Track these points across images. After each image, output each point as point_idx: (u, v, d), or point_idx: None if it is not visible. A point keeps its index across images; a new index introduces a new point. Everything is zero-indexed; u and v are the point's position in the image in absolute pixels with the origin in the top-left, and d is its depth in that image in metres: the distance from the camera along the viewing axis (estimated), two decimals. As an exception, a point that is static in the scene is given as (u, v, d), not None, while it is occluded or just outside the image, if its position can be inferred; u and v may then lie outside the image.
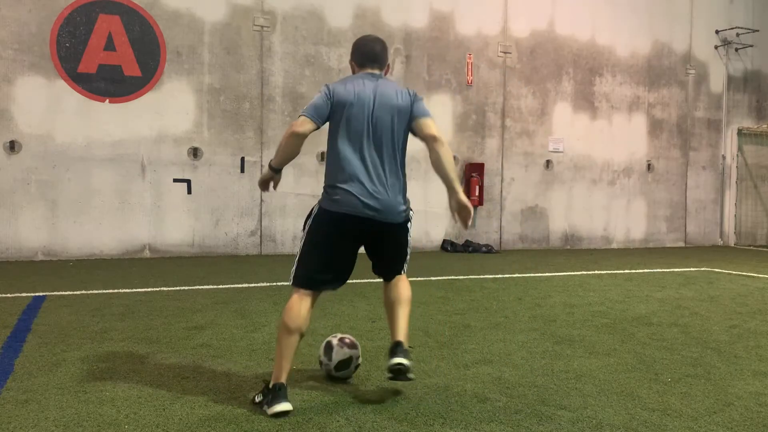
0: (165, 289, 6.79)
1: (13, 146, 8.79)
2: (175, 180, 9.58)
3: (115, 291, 6.61)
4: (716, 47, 13.63)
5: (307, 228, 3.48)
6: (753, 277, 8.70)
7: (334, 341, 3.80)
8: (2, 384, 3.62)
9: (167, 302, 6.04)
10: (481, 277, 8.14)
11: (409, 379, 3.40)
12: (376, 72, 3.54)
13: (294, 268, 3.49)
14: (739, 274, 8.89)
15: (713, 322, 5.70)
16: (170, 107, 9.50)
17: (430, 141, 3.44)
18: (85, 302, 5.97)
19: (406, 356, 3.35)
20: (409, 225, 3.60)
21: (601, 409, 3.43)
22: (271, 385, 3.30)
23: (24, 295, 6.29)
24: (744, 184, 14.02)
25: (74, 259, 9.03)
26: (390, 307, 3.61)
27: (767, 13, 13.98)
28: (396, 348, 3.39)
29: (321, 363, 3.82)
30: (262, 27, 9.99)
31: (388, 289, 3.65)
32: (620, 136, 12.70)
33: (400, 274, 3.67)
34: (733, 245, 13.74)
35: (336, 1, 10.40)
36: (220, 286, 7.02)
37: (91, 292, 6.54)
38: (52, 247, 9.00)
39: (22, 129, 8.83)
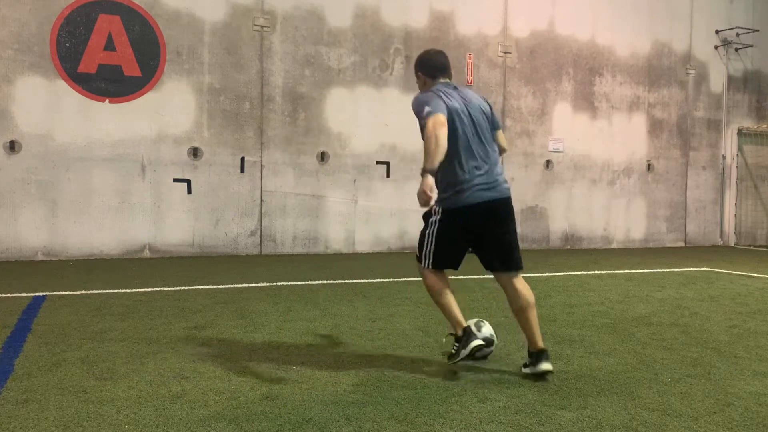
0: (165, 289, 6.79)
1: (13, 146, 8.79)
2: (175, 180, 9.58)
3: (115, 291, 6.60)
4: (716, 47, 13.62)
5: (433, 227, 3.91)
6: (753, 277, 8.70)
7: (484, 323, 4.27)
8: (2, 384, 3.62)
9: (167, 302, 6.04)
10: (481, 277, 8.12)
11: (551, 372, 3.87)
12: (449, 81, 3.97)
13: (429, 256, 3.93)
14: (739, 274, 8.89)
15: (713, 322, 5.70)
16: (170, 107, 9.50)
17: (501, 152, 4.05)
18: (85, 302, 5.97)
19: (549, 361, 3.85)
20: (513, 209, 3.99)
21: (601, 409, 3.43)
22: (461, 333, 3.88)
23: (24, 295, 6.29)
24: (744, 184, 14.01)
25: (74, 259, 9.03)
26: (520, 313, 3.92)
27: (767, 13, 13.98)
28: (542, 355, 3.86)
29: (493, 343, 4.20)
30: (262, 27, 9.99)
31: (512, 290, 3.92)
32: (620, 136, 12.70)
33: (521, 267, 3.95)
34: (733, 245, 13.74)
35: (336, 1, 10.40)
36: (220, 286, 7.02)
37: (91, 292, 6.54)
38: (52, 247, 9.00)
39: (22, 129, 8.83)
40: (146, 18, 9.35)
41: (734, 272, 9.11)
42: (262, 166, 10.02)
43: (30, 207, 8.89)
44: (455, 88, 3.90)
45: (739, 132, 13.90)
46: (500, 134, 4.03)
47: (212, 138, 9.76)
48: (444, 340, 4.57)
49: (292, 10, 10.17)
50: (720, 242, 13.86)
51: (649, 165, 13.01)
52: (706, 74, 13.61)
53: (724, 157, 13.84)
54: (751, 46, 13.84)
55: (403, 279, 7.74)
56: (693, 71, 13.39)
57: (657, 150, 13.11)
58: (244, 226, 9.97)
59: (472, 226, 3.84)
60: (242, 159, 9.90)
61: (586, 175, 12.42)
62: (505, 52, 11.64)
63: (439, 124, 3.57)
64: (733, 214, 13.87)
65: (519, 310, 3.90)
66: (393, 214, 10.83)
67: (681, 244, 13.41)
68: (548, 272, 8.69)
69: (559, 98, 12.13)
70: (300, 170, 10.23)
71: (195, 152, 9.66)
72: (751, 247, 13.46)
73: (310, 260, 9.54)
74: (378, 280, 7.70)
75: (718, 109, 13.77)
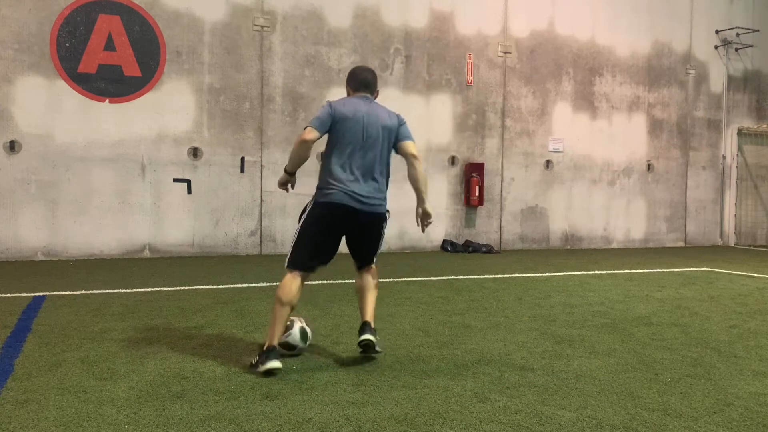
0: (165, 289, 6.79)
1: (13, 146, 8.79)
2: (175, 180, 9.58)
3: (115, 291, 6.60)
4: (716, 47, 13.63)
5: (301, 221, 4.17)
6: (753, 277, 8.70)
7: (303, 323, 4.39)
8: (2, 384, 3.62)
9: (167, 302, 6.04)
10: (481, 277, 8.14)
11: (377, 352, 4.21)
12: (368, 96, 4.28)
13: (289, 253, 4.13)
14: (739, 274, 8.89)
15: (713, 322, 5.70)
16: (170, 107, 9.50)
17: (410, 158, 4.27)
18: (85, 302, 5.97)
19: (373, 334, 4.15)
20: (384, 224, 4.32)
21: (601, 409, 3.43)
22: (265, 348, 3.94)
23: (24, 295, 6.29)
24: (744, 184, 14.02)
25: (74, 259, 9.03)
26: (361, 292, 4.36)
27: (767, 13, 13.98)
28: (365, 327, 4.18)
29: (296, 347, 4.30)
30: (262, 27, 9.99)
31: (359, 277, 4.39)
32: (620, 136, 12.70)
33: (372, 263, 4.39)
34: (733, 245, 13.74)
35: (336, 1, 10.40)
36: (220, 286, 7.01)
37: (91, 292, 6.54)
38: (52, 247, 9.00)
39: (22, 129, 8.83)
40: (146, 18, 9.35)
41: (734, 272, 9.11)
42: (262, 166, 10.02)
43: (30, 207, 8.89)
44: (367, 101, 4.23)
45: (739, 132, 13.90)
46: (408, 144, 4.27)
47: (212, 138, 9.76)
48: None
49: (292, 10, 10.18)
50: (720, 242, 13.86)
51: (649, 165, 13.01)
52: (706, 74, 13.61)
53: (724, 157, 13.84)
54: (751, 46, 13.84)
55: (403, 279, 7.74)
56: (693, 71, 13.40)
57: (657, 150, 13.11)
58: (244, 226, 9.97)
59: (337, 223, 4.13)
60: (242, 159, 9.90)
61: (586, 175, 12.42)
62: (505, 52, 11.64)
63: (305, 135, 4.04)
64: (733, 214, 13.87)
65: (361, 289, 4.36)
66: (393, 214, 10.78)
67: (681, 244, 13.42)
68: (548, 272, 8.69)
69: (559, 98, 12.14)
70: (300, 170, 10.17)
71: (195, 152, 9.66)
72: (751, 247, 13.46)
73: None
74: (378, 280, 7.68)
75: (718, 109, 13.77)
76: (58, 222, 9.01)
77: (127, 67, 9.27)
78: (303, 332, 4.31)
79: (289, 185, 4.40)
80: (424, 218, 4.33)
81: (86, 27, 9.05)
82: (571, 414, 3.34)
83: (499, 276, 8.23)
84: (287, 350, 4.21)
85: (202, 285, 7.07)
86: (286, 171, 4.32)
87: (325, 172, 4.17)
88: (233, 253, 9.91)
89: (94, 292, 6.54)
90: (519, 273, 8.56)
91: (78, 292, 6.49)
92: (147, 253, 9.46)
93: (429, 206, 4.30)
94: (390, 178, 4.33)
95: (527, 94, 11.87)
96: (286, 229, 10.19)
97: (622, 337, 5.04)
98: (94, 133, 9.15)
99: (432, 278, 7.88)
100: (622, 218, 12.79)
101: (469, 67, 11.37)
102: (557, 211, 12.18)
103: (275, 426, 3.10)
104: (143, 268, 8.34)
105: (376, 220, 4.23)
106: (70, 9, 8.97)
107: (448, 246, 11.11)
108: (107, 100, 9.20)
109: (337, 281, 7.39)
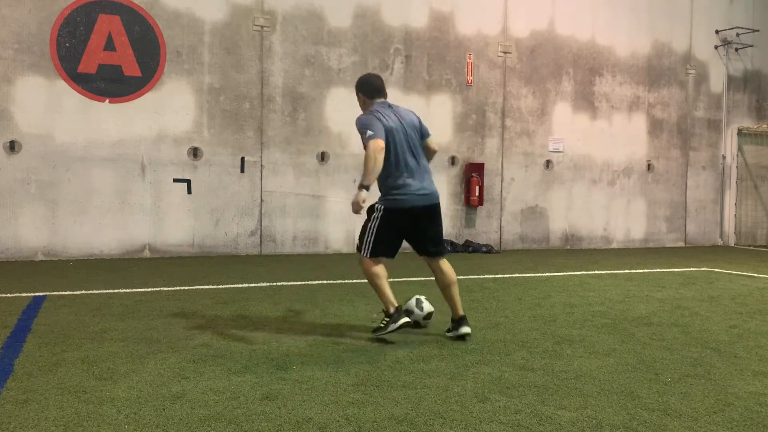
0: (165, 289, 6.79)
1: (13, 146, 8.79)
2: (175, 180, 9.58)
3: (115, 291, 6.61)
4: (716, 47, 13.63)
5: (375, 222, 4.64)
6: (753, 277, 8.70)
7: (423, 298, 5.18)
8: (2, 384, 3.62)
9: (167, 302, 6.04)
10: (481, 277, 8.14)
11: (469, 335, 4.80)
12: (386, 101, 4.71)
13: (368, 246, 4.64)
14: (739, 274, 8.89)
15: (713, 322, 5.70)
16: (170, 107, 9.50)
17: (432, 153, 4.88)
18: (85, 302, 5.97)
19: (468, 325, 4.77)
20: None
21: (601, 409, 3.43)
22: (392, 311, 4.60)
23: (24, 295, 6.29)
24: (744, 184, 14.01)
25: (74, 259, 9.03)
26: (445, 286, 4.83)
27: (767, 13, 13.98)
28: (463, 320, 4.79)
29: (411, 313, 5.01)
30: (262, 27, 9.99)
31: (439, 271, 4.81)
32: (620, 136, 12.70)
33: (443, 254, 4.82)
34: (733, 245, 13.74)
35: (336, 1, 10.40)
36: (220, 286, 7.01)
37: (91, 292, 6.54)
38: (52, 247, 9.00)
39: (22, 129, 8.83)
40: (146, 18, 9.35)
41: (734, 272, 9.11)
42: (262, 166, 10.02)
43: (30, 207, 8.89)
44: (390, 106, 4.67)
45: (739, 132, 13.90)
46: (430, 141, 4.80)
47: (212, 138, 9.76)
48: (375, 315, 5.37)
49: (292, 10, 10.17)
50: (720, 242, 13.86)
51: (649, 165, 13.01)
52: (706, 74, 13.61)
53: (724, 157, 13.84)
54: (751, 46, 13.84)
55: (403, 279, 7.74)
56: (693, 71, 13.40)
57: (657, 150, 13.11)
58: (244, 226, 9.97)
59: (405, 224, 4.66)
60: (242, 159, 9.90)
61: (586, 175, 12.42)
62: (505, 52, 11.64)
63: (379, 149, 4.41)
64: (733, 214, 13.87)
65: (444, 286, 4.82)
66: (393, 214, 10.80)
67: (681, 244, 13.42)
68: (548, 272, 8.69)
69: (559, 98, 12.13)
70: (300, 170, 10.23)
71: (195, 152, 9.66)
72: (751, 247, 13.46)
73: (310, 260, 9.54)
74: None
75: (718, 109, 13.77)
76: (58, 222, 9.01)
77: (127, 67, 9.27)
78: (418, 301, 5.12)
79: (364, 205, 4.57)
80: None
81: (86, 27, 9.05)
82: (571, 414, 3.34)
83: (499, 276, 8.23)
84: (416, 323, 5.02)
85: (202, 285, 7.07)
86: (364, 186, 4.45)
87: (388, 180, 4.59)
88: (233, 253, 9.91)
89: (94, 292, 6.54)
90: (519, 273, 8.56)
91: (78, 292, 6.49)
92: (147, 253, 9.46)
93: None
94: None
95: (527, 94, 11.87)
96: (286, 229, 10.19)
97: (622, 337, 5.05)
98: (94, 133, 9.15)
99: (432, 278, 7.85)
100: (622, 218, 12.79)
101: (469, 67, 11.37)
102: (557, 211, 12.18)
103: (275, 426, 3.10)
104: (143, 268, 8.34)
105: (438, 208, 4.77)
106: (70, 9, 8.97)
107: (448, 246, 11.11)
108: (107, 100, 9.20)
109: (337, 281, 7.40)
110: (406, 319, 4.57)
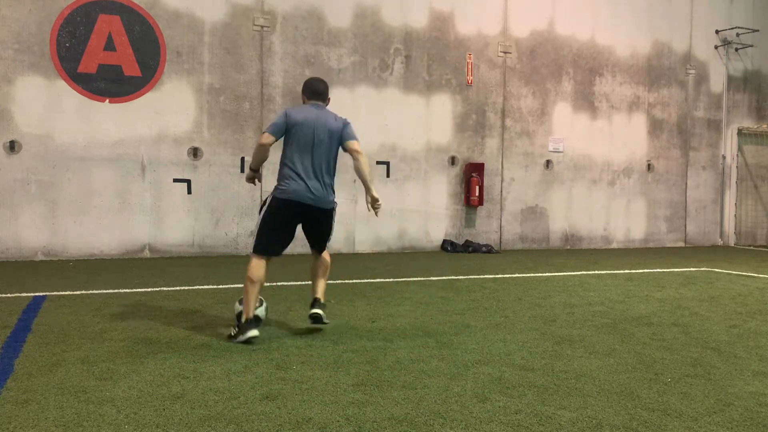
0: (165, 289, 6.79)
1: (13, 146, 8.79)
2: (175, 180, 9.58)
3: (115, 291, 6.61)
4: (716, 47, 13.63)
5: (262, 213, 4.82)
6: (753, 277, 8.70)
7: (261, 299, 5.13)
8: (2, 384, 3.62)
9: (167, 302, 6.04)
10: (481, 277, 8.14)
11: (325, 323, 4.92)
12: (320, 103, 4.95)
13: (254, 241, 4.85)
14: (739, 274, 8.89)
15: (713, 322, 5.70)
16: (170, 107, 9.50)
17: (354, 153, 4.91)
18: (85, 302, 5.97)
19: (322, 308, 4.89)
20: (332, 215, 4.97)
21: (601, 409, 3.43)
22: (243, 320, 4.64)
23: (24, 295, 6.29)
24: (744, 184, 14.01)
25: (74, 259, 9.03)
26: (314, 273, 5.12)
27: (767, 13, 13.98)
28: (315, 302, 4.94)
29: (260, 320, 4.94)
30: (262, 27, 9.99)
31: (315, 260, 5.12)
32: (620, 136, 12.70)
33: (324, 249, 5.08)
34: (733, 245, 13.74)
35: (336, 1, 10.40)
36: (220, 286, 7.01)
37: (91, 292, 6.54)
38: (52, 247, 9.00)
39: (22, 129, 8.83)
40: (146, 18, 9.35)
41: (734, 272, 9.11)
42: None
43: (30, 207, 8.89)
44: (318, 108, 4.90)
45: (739, 132, 13.90)
46: (352, 142, 4.91)
47: (212, 138, 9.76)
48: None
49: (292, 10, 10.17)
50: (720, 242, 13.86)
51: (649, 165, 13.01)
52: (706, 74, 13.61)
53: (724, 157, 13.84)
54: (751, 46, 13.84)
55: (403, 279, 7.74)
56: (693, 71, 13.39)
57: (657, 150, 13.11)
58: (244, 226, 9.97)
59: (291, 217, 4.81)
60: (242, 159, 9.89)
61: (586, 175, 12.42)
62: (505, 52, 11.64)
63: (263, 139, 4.75)
64: (733, 214, 13.87)
65: (316, 273, 5.10)
66: (393, 215, 10.83)
67: (681, 244, 13.42)
68: (548, 272, 8.69)
69: (559, 98, 12.13)
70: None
71: (195, 152, 9.66)
72: (751, 247, 13.46)
73: (310, 260, 9.52)
74: (378, 280, 7.70)
75: (718, 109, 13.77)
76: (58, 222, 9.01)
77: (127, 67, 9.27)
78: (266, 308, 5.14)
79: (255, 179, 5.10)
80: (373, 203, 4.88)
81: (86, 27, 9.05)
82: (571, 414, 3.34)
83: (499, 276, 8.23)
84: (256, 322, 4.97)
85: (202, 285, 7.07)
86: (250, 168, 5.02)
87: (282, 171, 4.80)
88: (233, 253, 9.91)
89: (94, 292, 6.54)
90: (519, 273, 8.56)
91: (78, 292, 6.49)
92: (147, 253, 9.46)
93: (375, 192, 4.87)
94: (336, 177, 5.00)
95: (527, 94, 11.87)
96: (286, 229, 10.18)
97: (622, 337, 5.05)
98: (94, 133, 9.15)
99: (432, 278, 7.88)
100: (622, 218, 12.79)
101: (469, 67, 11.37)
102: (557, 211, 12.18)
103: (275, 426, 3.10)
104: (143, 268, 8.34)
105: (325, 213, 4.89)
106: (70, 9, 8.97)
107: (448, 246, 11.11)
108: (107, 100, 9.20)
109: (337, 281, 7.39)
110: (254, 333, 4.57)
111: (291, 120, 4.76)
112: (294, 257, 9.93)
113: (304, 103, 5.00)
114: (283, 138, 4.80)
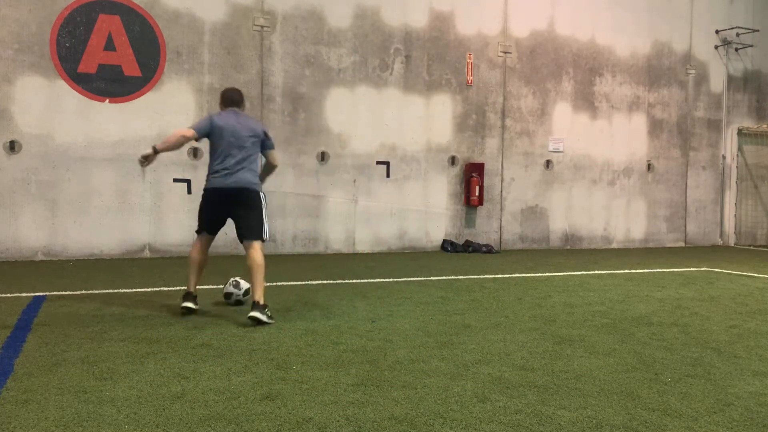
0: (165, 289, 6.80)
1: (13, 146, 8.79)
2: (175, 180, 9.58)
3: (115, 291, 6.61)
4: (716, 47, 13.63)
5: (200, 201, 5.55)
6: (753, 277, 8.70)
7: (239, 278, 6.07)
8: (2, 384, 3.62)
9: (167, 302, 6.04)
10: (481, 277, 8.14)
11: (267, 323, 5.18)
12: (237, 110, 5.60)
13: (198, 223, 5.57)
14: (739, 274, 8.89)
15: (713, 322, 5.70)
16: (170, 107, 9.49)
17: (272, 166, 5.80)
18: (85, 302, 5.97)
19: (260, 310, 5.17)
20: (257, 198, 5.42)
21: (601, 409, 3.43)
22: (185, 293, 5.52)
23: (24, 295, 6.29)
24: (744, 184, 14.02)
25: (74, 259, 9.03)
26: (249, 271, 5.35)
27: (767, 13, 13.98)
28: (253, 305, 5.24)
29: (230, 295, 5.96)
30: (262, 27, 9.99)
31: (247, 256, 5.37)
32: (620, 136, 12.70)
33: (252, 239, 5.37)
34: (733, 245, 13.74)
35: (336, 1, 10.40)
36: (220, 286, 7.00)
37: (91, 292, 6.54)
38: (52, 247, 9.00)
39: (22, 129, 8.83)
40: (146, 18, 9.35)
41: (734, 272, 9.11)
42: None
43: (30, 207, 8.89)
44: (236, 114, 5.52)
45: (739, 132, 13.90)
46: (272, 153, 5.69)
47: (212, 138, 9.74)
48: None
49: (292, 10, 10.17)
50: (720, 242, 13.86)
51: (649, 165, 13.01)
52: (706, 74, 13.61)
53: (724, 157, 13.84)
54: (751, 46, 13.84)
55: (403, 279, 7.75)
56: (693, 71, 13.40)
57: (657, 150, 13.11)
58: (244, 226, 9.95)
59: (216, 204, 5.44)
60: (242, 159, 9.88)
61: (586, 175, 12.42)
62: (505, 52, 11.64)
63: (186, 132, 5.38)
64: (733, 214, 13.87)
65: (249, 270, 5.33)
66: (393, 214, 10.83)
67: (681, 244, 13.42)
68: (548, 272, 8.69)
69: (559, 98, 12.14)
70: (300, 170, 10.23)
71: (195, 152, 9.66)
72: (751, 247, 13.46)
73: (310, 260, 9.54)
74: (378, 280, 7.70)
75: (718, 109, 13.77)
76: (58, 222, 9.01)
77: (127, 67, 9.27)
78: (235, 283, 6.00)
79: (148, 162, 5.41)
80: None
81: (86, 27, 9.05)
82: (571, 414, 3.34)
83: (499, 276, 8.23)
84: (226, 299, 5.98)
85: (202, 285, 7.05)
86: (154, 149, 5.34)
87: (210, 166, 5.44)
88: (233, 253, 9.90)
89: (94, 292, 6.54)
90: (519, 273, 8.56)
91: (78, 292, 6.49)
92: (147, 253, 9.46)
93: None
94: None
95: (527, 94, 11.87)
96: (286, 229, 10.19)
97: (622, 337, 5.05)
98: (94, 133, 9.15)
99: (432, 278, 7.88)
100: (622, 218, 12.79)
101: (469, 67, 11.37)
102: (557, 211, 12.18)
103: (275, 426, 3.10)
104: (143, 268, 8.34)
105: (246, 191, 5.36)
106: (70, 9, 8.97)
107: (448, 246, 11.11)
108: (107, 100, 9.20)
109: (337, 281, 7.40)
110: (186, 305, 5.40)
111: (214, 124, 5.40)
112: (294, 257, 9.93)
113: (222, 111, 5.58)
114: (209, 139, 5.44)
